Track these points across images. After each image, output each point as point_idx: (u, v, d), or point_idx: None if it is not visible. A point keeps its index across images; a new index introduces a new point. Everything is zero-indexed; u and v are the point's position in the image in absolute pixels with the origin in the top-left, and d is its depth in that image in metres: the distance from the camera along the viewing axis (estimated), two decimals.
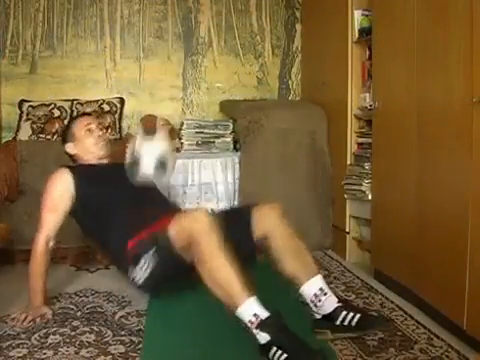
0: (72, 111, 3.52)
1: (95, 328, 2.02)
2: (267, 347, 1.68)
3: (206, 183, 3.14)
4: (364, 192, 2.74)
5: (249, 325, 1.71)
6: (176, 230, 1.91)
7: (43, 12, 3.66)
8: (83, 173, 2.28)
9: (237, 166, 3.21)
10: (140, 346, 1.86)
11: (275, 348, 1.66)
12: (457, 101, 1.87)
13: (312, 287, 1.99)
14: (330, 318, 1.95)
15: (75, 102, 3.56)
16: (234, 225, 2.05)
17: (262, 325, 1.69)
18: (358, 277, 2.63)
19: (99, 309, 2.22)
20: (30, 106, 3.51)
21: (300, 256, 2.04)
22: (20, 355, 1.78)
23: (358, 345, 1.85)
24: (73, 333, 1.97)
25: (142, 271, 2.02)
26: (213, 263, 1.78)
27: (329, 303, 1.96)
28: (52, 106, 3.51)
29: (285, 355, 1.65)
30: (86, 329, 2.01)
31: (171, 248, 1.92)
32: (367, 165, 2.74)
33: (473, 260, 1.79)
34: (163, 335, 1.96)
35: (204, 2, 3.81)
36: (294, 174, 3.13)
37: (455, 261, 1.89)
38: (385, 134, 2.50)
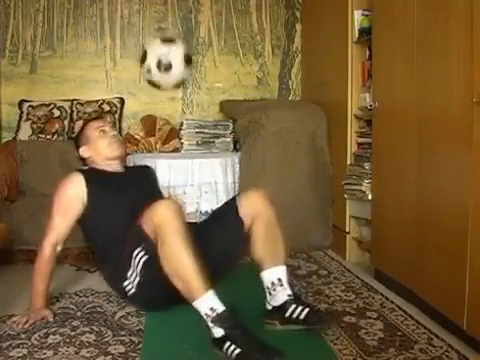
0: (72, 111, 3.53)
1: (95, 328, 2.02)
2: (221, 341, 1.72)
3: (206, 183, 3.14)
4: (364, 192, 2.74)
5: (205, 317, 1.75)
6: (145, 224, 1.91)
7: (43, 12, 3.66)
8: (95, 179, 2.20)
9: (237, 166, 3.20)
10: (140, 346, 1.86)
11: (229, 342, 1.70)
12: (457, 101, 1.87)
13: (272, 275, 2.03)
14: (280, 310, 1.99)
15: (75, 102, 3.56)
16: (223, 219, 2.12)
17: (217, 319, 1.73)
18: (358, 277, 2.63)
19: (99, 309, 2.22)
20: (30, 106, 3.51)
21: (273, 243, 2.07)
22: (20, 355, 1.78)
23: (358, 345, 1.85)
24: (73, 333, 1.97)
25: (132, 278, 2.01)
26: (172, 255, 1.80)
27: (281, 295, 2.01)
28: (52, 106, 3.52)
29: (239, 350, 1.68)
30: (86, 329, 2.00)
31: (147, 240, 1.91)
32: (367, 165, 2.74)
33: (473, 260, 1.79)
34: (163, 335, 1.96)
35: (204, 2, 3.82)
36: (294, 174, 3.13)
37: (455, 261, 1.89)
38: (385, 134, 2.50)
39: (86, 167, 2.33)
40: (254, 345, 1.71)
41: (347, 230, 3.01)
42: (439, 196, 2.03)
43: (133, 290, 2.04)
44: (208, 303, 1.76)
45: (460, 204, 1.86)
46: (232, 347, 1.70)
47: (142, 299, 2.09)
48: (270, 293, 2.04)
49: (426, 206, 2.13)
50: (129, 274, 2.02)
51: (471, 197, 1.79)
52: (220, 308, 1.75)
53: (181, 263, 1.79)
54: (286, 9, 3.92)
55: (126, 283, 2.04)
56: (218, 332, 1.74)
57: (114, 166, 2.31)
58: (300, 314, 1.96)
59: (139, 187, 2.30)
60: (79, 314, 2.17)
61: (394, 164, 2.40)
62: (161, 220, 1.84)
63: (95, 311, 2.19)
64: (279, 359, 1.68)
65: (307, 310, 1.97)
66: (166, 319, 2.09)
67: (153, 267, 1.91)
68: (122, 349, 1.84)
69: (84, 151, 2.32)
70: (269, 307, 2.04)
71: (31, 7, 3.64)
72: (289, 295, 2.01)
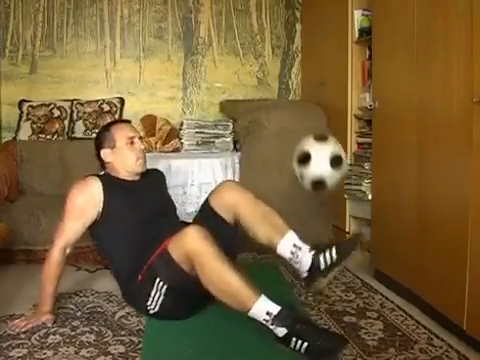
0: (72, 111, 3.53)
1: (95, 328, 2.01)
2: (287, 339, 1.73)
3: (206, 183, 3.14)
4: (364, 192, 2.74)
5: (265, 322, 1.75)
6: (176, 253, 1.90)
7: (43, 12, 3.67)
8: (113, 189, 2.14)
9: (237, 166, 3.21)
10: (140, 346, 1.86)
11: (294, 339, 1.71)
12: (457, 101, 1.87)
13: (286, 245, 2.03)
14: (314, 268, 1.99)
15: (75, 102, 3.56)
16: (207, 224, 2.04)
17: (276, 320, 1.73)
18: (358, 277, 2.63)
19: (99, 309, 2.22)
20: (30, 106, 3.51)
21: (268, 219, 2.08)
22: (20, 355, 1.78)
23: (358, 345, 1.85)
24: (73, 333, 1.97)
25: (155, 298, 1.99)
26: (215, 275, 1.80)
27: (306, 258, 2.00)
28: (52, 106, 3.52)
29: (306, 344, 1.69)
30: (86, 329, 2.00)
31: (176, 269, 1.91)
32: (367, 165, 2.74)
33: (473, 260, 1.79)
34: (163, 335, 1.96)
35: (204, 2, 3.82)
36: (294, 174, 3.12)
37: (455, 261, 1.89)
38: (385, 134, 2.50)
39: (102, 173, 2.25)
40: (319, 335, 1.72)
41: (347, 230, 3.01)
42: (439, 196, 2.03)
43: (156, 309, 2.01)
44: (263, 308, 1.75)
45: (460, 204, 1.86)
46: (299, 342, 1.71)
47: (164, 316, 2.04)
48: (296, 262, 2.02)
49: (426, 206, 2.13)
50: (152, 294, 1.98)
51: (471, 197, 1.79)
52: (276, 309, 1.75)
53: (225, 280, 1.79)
54: (286, 9, 3.92)
55: (149, 303, 2.00)
56: (281, 332, 1.74)
57: (133, 176, 2.25)
58: (331, 257, 1.96)
59: (154, 197, 2.27)
60: (79, 314, 2.16)
61: (394, 164, 2.40)
62: (194, 249, 1.83)
63: (95, 311, 2.19)
64: (345, 344, 1.76)
65: (334, 249, 1.97)
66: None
67: (176, 293, 1.95)
68: (122, 349, 1.84)
69: (107, 155, 2.21)
70: (305, 275, 2.02)
71: (31, 7, 3.65)
72: (310, 251, 2.00)
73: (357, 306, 2.23)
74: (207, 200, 2.22)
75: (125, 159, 2.20)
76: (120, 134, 2.22)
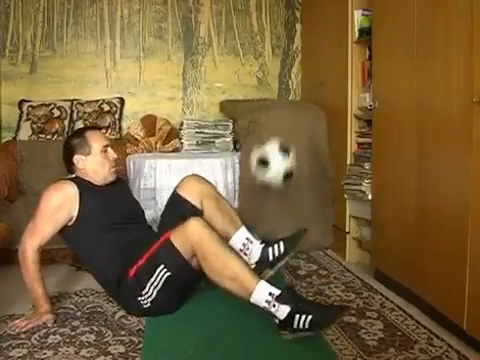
0: (72, 111, 3.53)
1: (95, 328, 2.02)
2: (290, 318, 1.79)
3: None
4: (364, 192, 2.74)
5: (267, 305, 1.81)
6: (179, 243, 1.98)
7: (43, 12, 3.66)
8: (88, 192, 2.17)
9: (237, 166, 3.20)
10: (140, 346, 1.86)
11: (298, 315, 1.78)
12: (457, 101, 1.87)
13: (240, 238, 2.28)
14: (263, 260, 2.23)
15: (75, 102, 3.56)
16: (176, 210, 2.31)
17: (280, 298, 1.81)
18: (358, 277, 2.63)
19: (99, 309, 2.22)
20: (30, 106, 3.51)
21: (228, 212, 2.34)
22: (20, 355, 1.79)
23: (358, 345, 1.85)
24: (73, 333, 1.97)
25: (150, 290, 2.01)
26: (218, 262, 1.90)
27: (256, 249, 2.25)
28: (52, 106, 3.52)
29: (310, 316, 1.76)
30: (86, 329, 2.01)
31: (180, 258, 1.98)
32: (367, 165, 2.74)
33: (473, 260, 1.79)
34: (163, 335, 1.96)
35: (204, 2, 3.82)
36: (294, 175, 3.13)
37: (455, 261, 1.89)
38: (385, 134, 2.50)
39: (74, 176, 2.25)
40: (321, 309, 1.86)
41: (347, 230, 3.01)
42: (439, 196, 2.03)
43: (148, 304, 2.04)
44: (265, 290, 1.83)
45: (460, 204, 1.86)
46: (303, 317, 1.77)
47: (155, 309, 2.07)
48: (246, 254, 2.23)
49: (426, 206, 2.13)
50: (147, 288, 2.01)
51: (471, 197, 1.79)
52: (278, 291, 1.83)
53: (228, 264, 1.89)
54: (286, 9, 3.92)
55: (141, 298, 2.04)
56: (284, 311, 1.80)
57: (103, 182, 2.27)
58: (279, 250, 2.23)
59: (125, 201, 2.35)
60: (79, 314, 2.17)
61: (394, 164, 2.40)
62: (198, 238, 1.93)
63: (95, 311, 2.20)
64: (344, 312, 1.91)
65: (282, 243, 2.24)
66: (166, 319, 2.09)
67: (173, 283, 2.01)
68: (122, 349, 1.84)
69: (81, 161, 2.22)
70: (253, 265, 2.20)
71: (31, 7, 3.64)
72: (261, 244, 2.26)
73: (357, 306, 2.23)
74: (174, 192, 2.38)
75: (99, 167, 2.24)
76: (96, 142, 2.24)
